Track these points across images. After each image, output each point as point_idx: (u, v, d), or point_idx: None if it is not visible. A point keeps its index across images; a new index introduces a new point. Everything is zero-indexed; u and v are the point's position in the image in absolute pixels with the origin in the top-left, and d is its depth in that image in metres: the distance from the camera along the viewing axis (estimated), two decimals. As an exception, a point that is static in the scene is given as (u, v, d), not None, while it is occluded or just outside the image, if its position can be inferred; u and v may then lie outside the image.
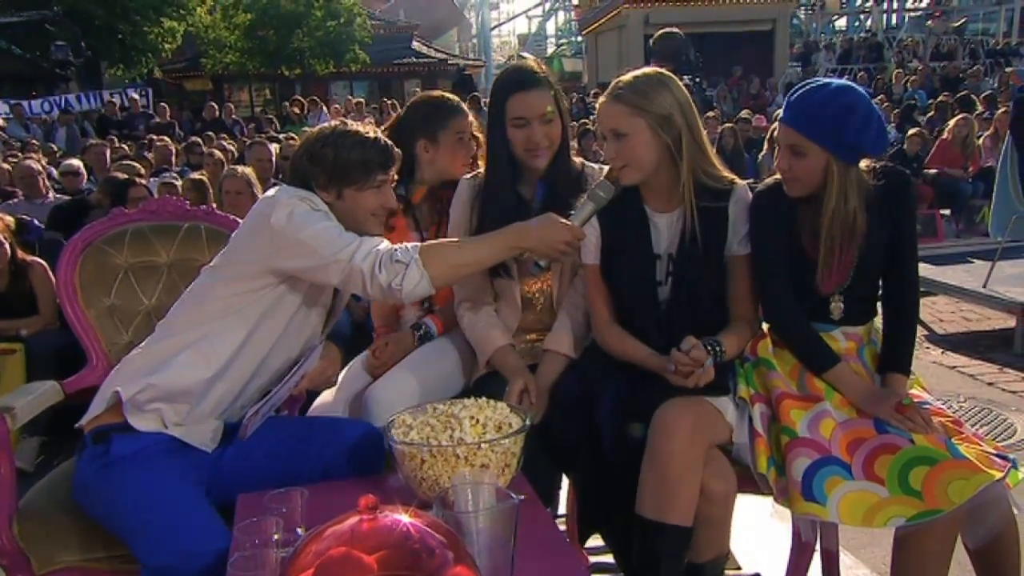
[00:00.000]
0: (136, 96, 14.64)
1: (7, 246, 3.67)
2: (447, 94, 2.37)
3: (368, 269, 1.64)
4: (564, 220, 1.75)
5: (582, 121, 9.90)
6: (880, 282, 1.90)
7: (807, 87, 1.81)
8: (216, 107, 13.94)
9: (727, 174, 1.94)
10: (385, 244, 1.70)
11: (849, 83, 1.82)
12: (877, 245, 1.82)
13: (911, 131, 8.68)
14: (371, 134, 1.80)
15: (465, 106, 2.33)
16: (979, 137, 8.41)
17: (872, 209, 1.80)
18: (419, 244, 1.70)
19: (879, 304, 1.93)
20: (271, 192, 1.78)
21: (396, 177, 1.86)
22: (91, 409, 1.76)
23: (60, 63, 17.25)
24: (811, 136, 1.75)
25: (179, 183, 5.06)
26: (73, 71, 17.83)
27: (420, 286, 1.66)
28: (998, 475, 1.59)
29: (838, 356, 1.82)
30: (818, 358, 1.82)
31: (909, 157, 7.96)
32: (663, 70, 1.90)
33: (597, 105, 1.92)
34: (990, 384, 4.03)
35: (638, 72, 1.88)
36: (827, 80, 1.82)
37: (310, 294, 1.82)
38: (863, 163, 1.82)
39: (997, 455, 1.66)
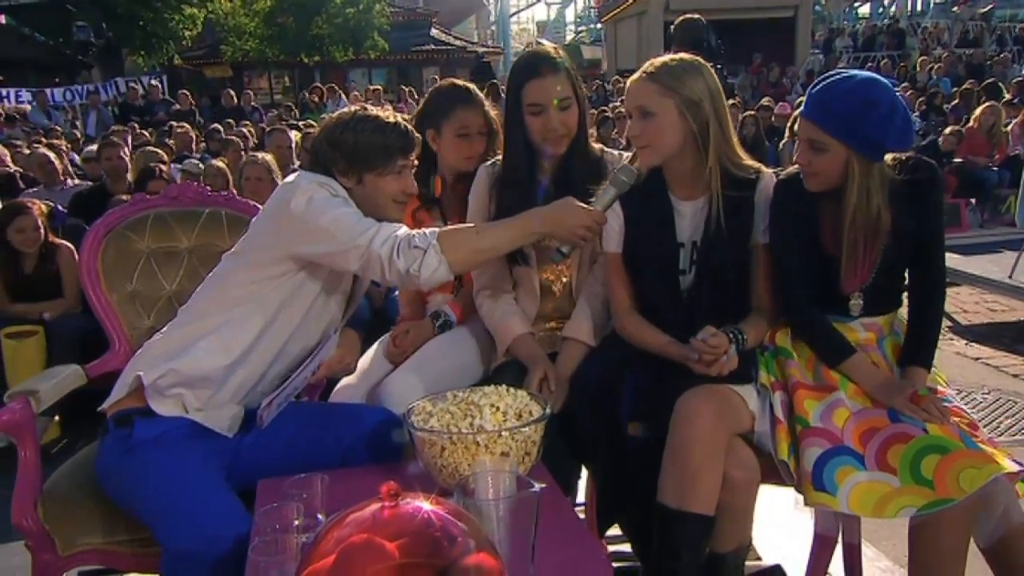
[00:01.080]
0: (155, 83, 14.69)
1: (42, 231, 3.80)
2: (462, 83, 2.30)
3: (386, 255, 1.64)
4: (584, 204, 1.74)
5: (601, 108, 9.84)
6: (905, 274, 1.87)
7: (829, 79, 1.76)
8: (235, 94, 13.95)
9: (752, 163, 1.91)
10: (404, 230, 1.69)
11: (873, 75, 1.77)
12: (903, 239, 1.78)
13: (948, 129, 8.46)
14: (391, 119, 1.79)
15: (481, 95, 2.25)
16: (1006, 125, 8.27)
17: (898, 202, 1.76)
18: (437, 230, 1.69)
19: (904, 295, 1.89)
20: (291, 178, 1.78)
21: (416, 163, 1.85)
22: (113, 393, 1.78)
23: (82, 45, 17.32)
24: (831, 132, 1.71)
25: (201, 167, 5.09)
26: (94, 55, 17.90)
27: (438, 272, 1.65)
28: (1009, 467, 1.56)
29: (853, 348, 1.80)
30: (833, 352, 1.80)
31: (942, 152, 7.78)
32: (697, 57, 1.88)
33: (627, 83, 1.90)
34: (1015, 376, 3.97)
35: (673, 55, 1.87)
36: (850, 72, 1.76)
37: (329, 281, 1.82)
38: (889, 155, 1.77)
39: (1012, 460, 1.62)
